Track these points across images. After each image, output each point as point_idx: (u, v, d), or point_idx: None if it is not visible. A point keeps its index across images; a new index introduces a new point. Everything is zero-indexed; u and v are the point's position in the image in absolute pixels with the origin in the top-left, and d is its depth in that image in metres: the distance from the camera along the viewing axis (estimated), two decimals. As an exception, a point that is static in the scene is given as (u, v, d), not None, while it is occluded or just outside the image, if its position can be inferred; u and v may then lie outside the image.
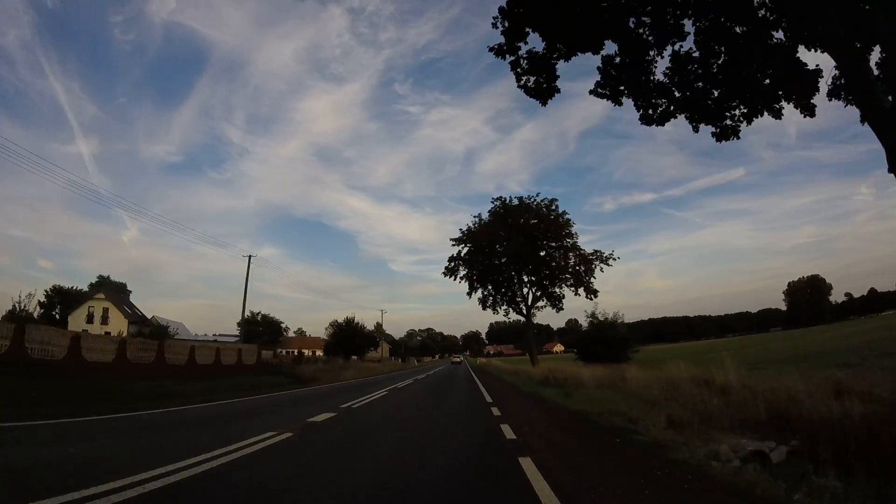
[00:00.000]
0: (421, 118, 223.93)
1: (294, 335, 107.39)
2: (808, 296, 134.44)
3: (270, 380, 20.01)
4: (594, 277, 28.00)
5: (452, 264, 29.68)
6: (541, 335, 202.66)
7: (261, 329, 78.67)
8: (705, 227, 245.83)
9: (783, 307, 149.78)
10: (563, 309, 28.62)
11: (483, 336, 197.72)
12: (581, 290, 27.55)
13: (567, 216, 28.67)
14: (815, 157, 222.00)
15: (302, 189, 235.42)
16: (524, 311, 28.94)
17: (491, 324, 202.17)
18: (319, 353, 67.04)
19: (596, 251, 28.49)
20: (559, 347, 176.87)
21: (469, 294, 29.60)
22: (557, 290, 28.16)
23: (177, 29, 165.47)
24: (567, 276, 27.47)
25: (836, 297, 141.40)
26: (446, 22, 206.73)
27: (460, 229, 30.22)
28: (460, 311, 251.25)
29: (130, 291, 75.68)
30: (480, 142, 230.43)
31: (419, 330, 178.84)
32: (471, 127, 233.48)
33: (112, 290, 51.60)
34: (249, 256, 30.61)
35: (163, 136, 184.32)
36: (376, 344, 59.99)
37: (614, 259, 28.33)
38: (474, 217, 30.45)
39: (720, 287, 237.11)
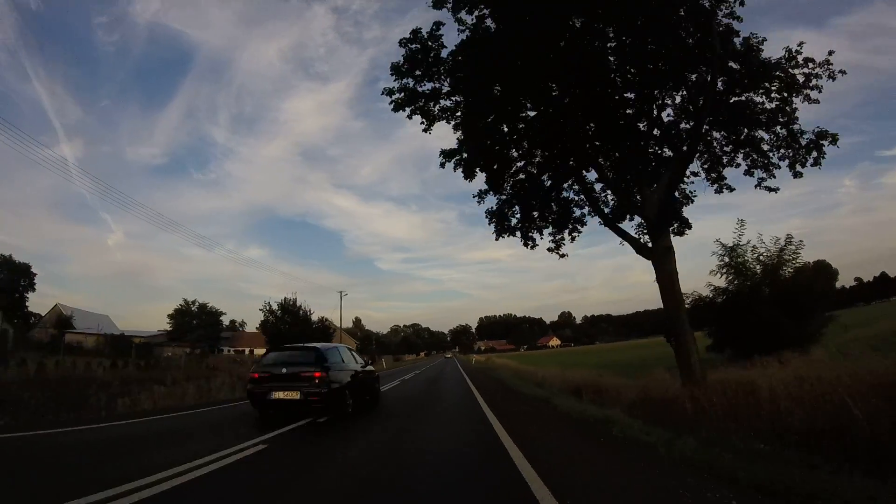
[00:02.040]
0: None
1: (256, 330, 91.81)
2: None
3: None
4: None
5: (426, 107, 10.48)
6: (532, 328, 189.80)
7: (195, 322, 62.36)
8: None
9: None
10: (689, 228, 11.22)
11: (473, 330, 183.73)
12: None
13: None
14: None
15: (287, 188, 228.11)
16: (635, 229, 11.18)
17: (481, 318, 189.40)
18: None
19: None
20: (556, 342, 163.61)
21: (480, 197, 11.67)
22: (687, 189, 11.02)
23: (161, 30, 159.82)
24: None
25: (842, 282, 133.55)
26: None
27: None
28: (449, 307, 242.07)
29: (35, 274, 58.80)
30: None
31: (403, 326, 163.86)
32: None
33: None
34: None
35: (147, 138, 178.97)
36: (327, 337, 43.97)
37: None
38: None
39: (710, 280, 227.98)
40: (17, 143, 70.59)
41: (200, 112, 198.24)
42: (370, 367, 11.27)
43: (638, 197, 10.14)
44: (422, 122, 10.76)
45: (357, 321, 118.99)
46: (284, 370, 7.86)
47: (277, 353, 8.90)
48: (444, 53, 9.68)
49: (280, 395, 7.55)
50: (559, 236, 11.61)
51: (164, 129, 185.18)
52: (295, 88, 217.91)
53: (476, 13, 9.18)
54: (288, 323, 39.77)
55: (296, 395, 7.49)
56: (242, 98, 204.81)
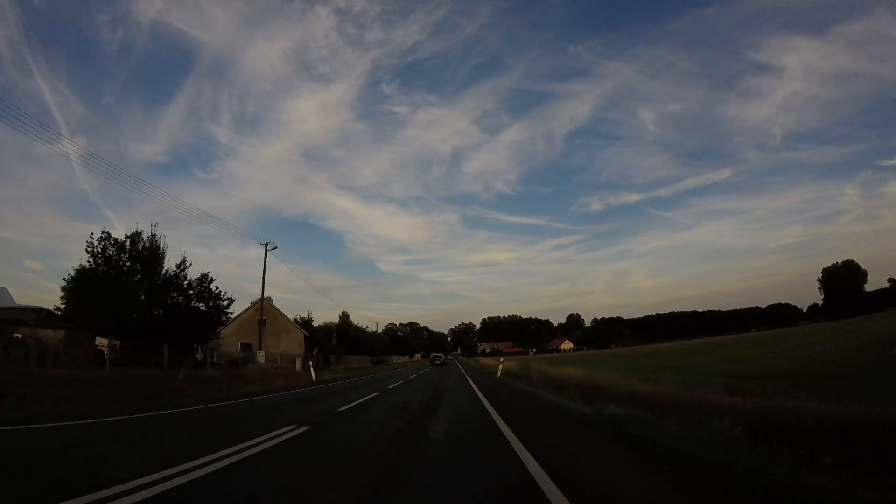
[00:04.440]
0: (408, 118, 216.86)
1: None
2: (843, 283, 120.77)
3: None
4: None
5: None
6: (539, 330, 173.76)
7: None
8: (693, 227, 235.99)
9: (792, 302, 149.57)
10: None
11: (476, 330, 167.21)
12: None
13: None
14: (799, 157, 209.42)
15: (289, 189, 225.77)
16: None
17: (484, 319, 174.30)
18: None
19: None
20: (567, 344, 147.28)
21: None
22: None
23: (164, 29, 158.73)
24: None
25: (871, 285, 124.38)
26: (432, 23, 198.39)
27: None
28: (450, 310, 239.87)
29: None
30: (467, 142, 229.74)
31: (400, 324, 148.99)
32: (457, 127, 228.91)
33: None
34: None
35: (150, 136, 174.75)
36: (220, 312, 25.85)
37: None
38: None
39: (711, 286, 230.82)
40: (20, 138, 58.19)
41: (203, 111, 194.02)
42: (444, 358, 68.63)
43: None
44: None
45: (344, 315, 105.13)
46: (436, 357, 62.68)
47: (435, 353, 71.89)
48: None
49: (437, 361, 57.41)
50: None
51: (166, 128, 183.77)
52: (297, 89, 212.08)
53: None
54: (138, 272, 22.45)
55: (439, 361, 57.34)
56: (245, 98, 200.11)
